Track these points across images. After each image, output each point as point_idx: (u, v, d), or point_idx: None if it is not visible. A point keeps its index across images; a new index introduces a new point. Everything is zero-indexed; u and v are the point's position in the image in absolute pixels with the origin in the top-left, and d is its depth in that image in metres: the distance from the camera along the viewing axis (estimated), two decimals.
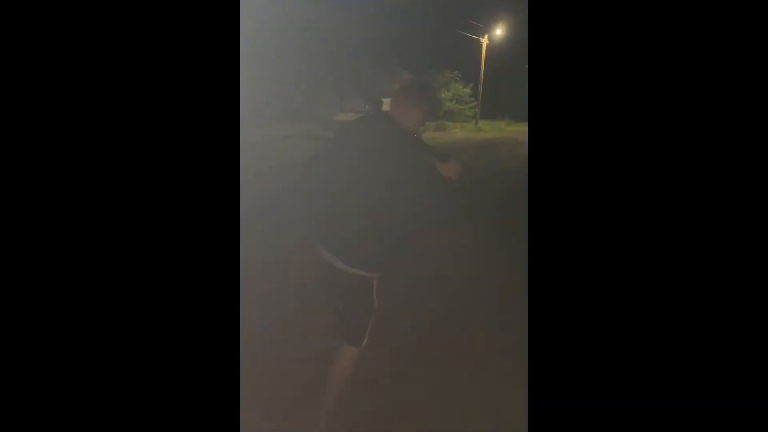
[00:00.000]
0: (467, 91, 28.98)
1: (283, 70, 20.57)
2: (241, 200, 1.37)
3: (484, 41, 25.31)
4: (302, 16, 21.14)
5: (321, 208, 1.77)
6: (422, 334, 2.74)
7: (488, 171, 9.61)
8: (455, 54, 28.67)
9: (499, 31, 26.22)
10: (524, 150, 13.38)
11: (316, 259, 1.79)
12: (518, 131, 23.85)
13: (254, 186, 6.53)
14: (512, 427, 1.91)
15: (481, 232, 4.93)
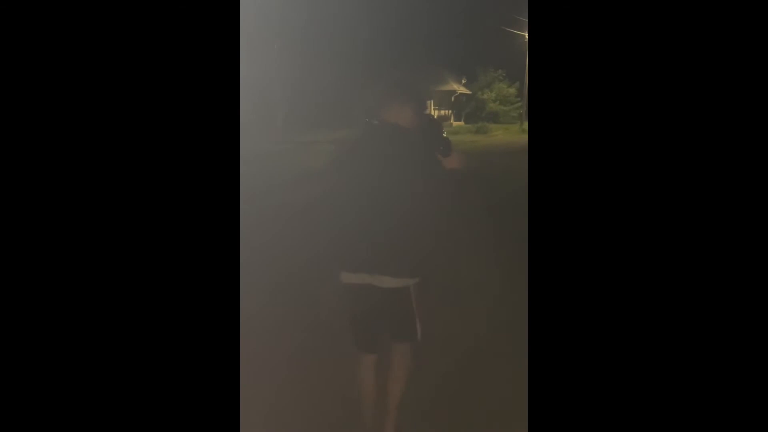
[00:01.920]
0: (512, 90, 28.70)
1: (311, 69, 21.01)
2: (244, 204, 1.50)
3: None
4: (329, 13, 21.51)
5: (338, 229, 1.85)
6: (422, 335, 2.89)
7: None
8: (499, 51, 28.53)
9: None
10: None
11: (339, 285, 1.86)
12: None
13: (266, 191, 6.73)
14: (512, 427, 1.99)
15: (496, 232, 5.02)
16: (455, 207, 1.89)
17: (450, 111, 27.55)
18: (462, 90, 28.51)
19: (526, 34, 25.04)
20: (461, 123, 27.30)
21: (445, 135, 1.85)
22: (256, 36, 17.16)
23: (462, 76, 29.37)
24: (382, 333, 1.91)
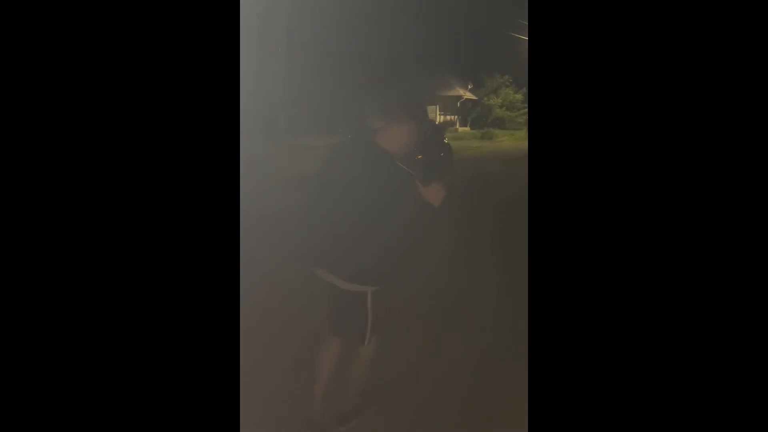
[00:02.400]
0: (519, 96, 28.69)
1: (320, 73, 21.11)
2: (245, 206, 1.51)
3: None
4: (331, 17, 21.61)
5: (314, 228, 1.96)
6: (422, 336, 2.89)
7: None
8: (506, 57, 28.55)
9: None
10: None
11: (311, 276, 1.98)
12: None
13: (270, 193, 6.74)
14: (512, 427, 2.00)
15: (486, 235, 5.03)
16: (453, 213, 1.92)
17: (455, 116, 27.55)
18: (468, 95, 28.51)
19: None
20: (467, 129, 27.31)
21: (446, 141, 1.85)
22: (258, 39, 17.23)
23: (468, 82, 29.38)
24: (347, 325, 2.00)
